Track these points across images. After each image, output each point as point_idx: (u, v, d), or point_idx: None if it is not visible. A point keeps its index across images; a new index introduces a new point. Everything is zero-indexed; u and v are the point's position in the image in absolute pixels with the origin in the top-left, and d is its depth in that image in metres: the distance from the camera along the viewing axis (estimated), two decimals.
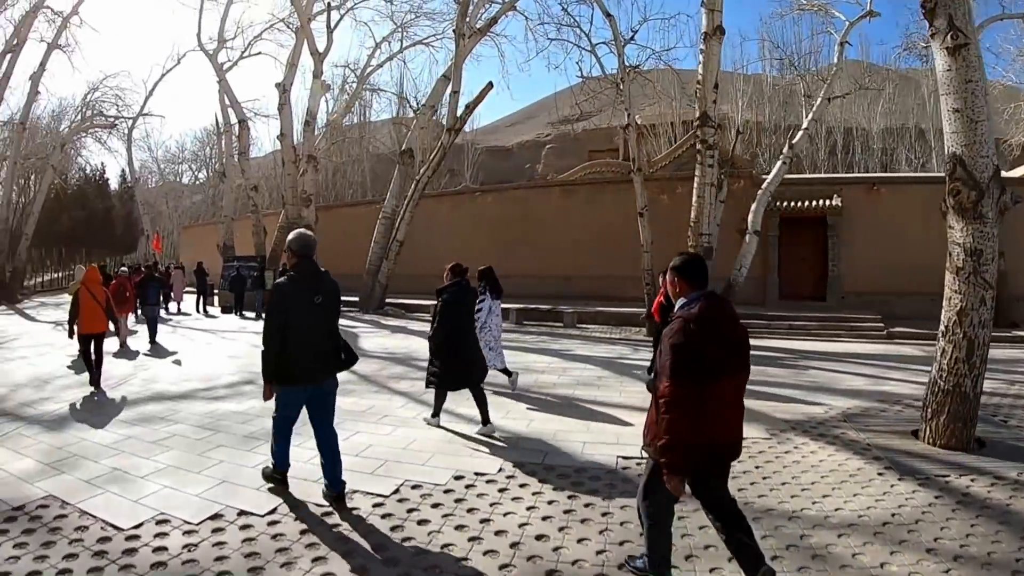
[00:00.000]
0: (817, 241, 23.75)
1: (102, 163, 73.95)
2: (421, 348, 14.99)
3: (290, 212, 27.92)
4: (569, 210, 28.43)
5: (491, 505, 5.88)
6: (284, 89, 29.33)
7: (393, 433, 8.28)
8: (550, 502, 5.92)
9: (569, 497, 6.01)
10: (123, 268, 20.97)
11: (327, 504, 5.79)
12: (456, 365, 8.24)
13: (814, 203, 23.33)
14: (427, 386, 8.68)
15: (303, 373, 5.67)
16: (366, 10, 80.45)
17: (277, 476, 6.14)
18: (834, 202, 23.06)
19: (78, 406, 10.00)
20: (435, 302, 8.56)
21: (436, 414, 8.57)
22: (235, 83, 33.99)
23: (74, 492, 6.09)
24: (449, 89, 26.32)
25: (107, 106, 41.32)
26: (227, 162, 37.10)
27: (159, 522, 5.43)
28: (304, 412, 6.02)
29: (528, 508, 5.79)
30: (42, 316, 25.55)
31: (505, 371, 10.89)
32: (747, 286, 20.71)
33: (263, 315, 6.58)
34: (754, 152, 40.99)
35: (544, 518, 5.58)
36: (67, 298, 12.06)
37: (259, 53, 36.19)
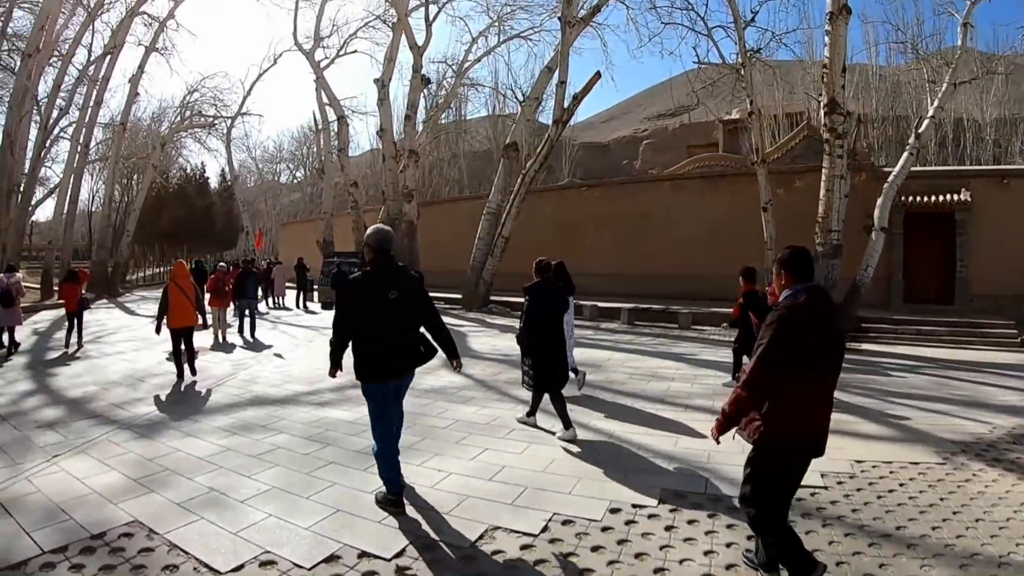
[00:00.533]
0: (943, 239, 21.57)
1: (202, 162, 75.38)
2: None
3: (391, 208, 27.24)
4: (679, 205, 26.90)
5: (661, 548, 4.80)
6: (383, 84, 28.79)
7: (527, 451, 7.15)
8: (729, 544, 4.84)
9: (749, 538, 4.78)
10: (221, 264, 20.72)
11: (464, 545, 4.83)
12: (542, 365, 7.79)
13: (940, 198, 21.16)
14: (522, 385, 8.25)
15: (381, 370, 5.43)
16: (463, 2, 79.80)
17: (392, 498, 5.48)
18: (962, 197, 20.90)
19: (173, 409, 9.13)
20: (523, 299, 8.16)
21: (532, 413, 8.24)
22: (331, 81, 33.76)
23: (163, 518, 5.17)
24: (554, 80, 25.22)
25: (206, 106, 42.09)
26: (326, 159, 36.98)
27: (264, 564, 4.47)
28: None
29: (706, 553, 4.72)
30: (142, 310, 25.29)
31: (573, 370, 10.09)
32: (869, 288, 18.98)
33: None
34: (871, 144, 38.70)
35: (728, 567, 4.53)
36: None
37: (355, 51, 36.31)
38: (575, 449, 7.18)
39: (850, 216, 18.01)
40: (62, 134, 38.58)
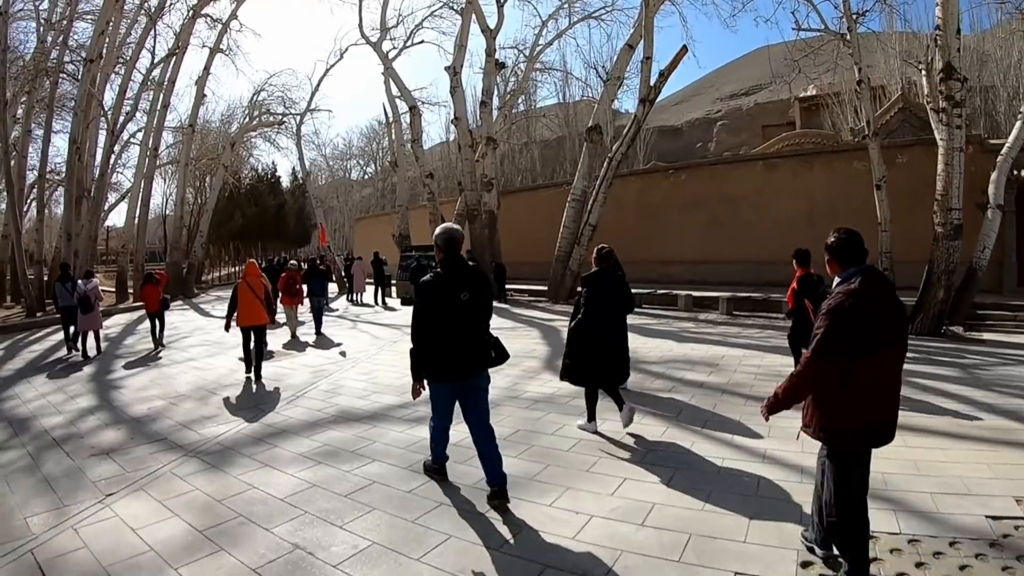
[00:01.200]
0: None
1: (273, 162, 75.45)
2: (641, 347, 12.78)
3: (469, 198, 26.24)
4: (771, 186, 25.41)
5: None
6: (455, 72, 27.68)
7: (674, 481, 5.75)
8: None
9: None
10: (292, 262, 20.18)
11: None
12: (591, 360, 7.21)
13: None
14: (560, 379, 7.60)
15: (450, 371, 5.30)
16: None
17: (435, 467, 5.92)
18: None
19: (246, 429, 7.91)
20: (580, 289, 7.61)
21: (591, 419, 7.47)
22: (399, 72, 32.75)
23: None
24: (636, 57, 24.06)
25: (274, 104, 41.68)
26: (398, 151, 36.03)
27: None
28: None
29: None
30: (216, 311, 24.49)
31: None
32: (984, 271, 17.03)
33: None
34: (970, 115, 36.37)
35: None
36: None
37: (422, 42, 35.58)
38: (728, 478, 5.82)
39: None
40: (132, 140, 39.19)
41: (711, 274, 24.70)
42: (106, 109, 31.65)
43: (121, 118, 32.33)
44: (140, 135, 36.38)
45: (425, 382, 5.41)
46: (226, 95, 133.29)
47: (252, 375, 11.11)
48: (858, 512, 3.94)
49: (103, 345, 15.13)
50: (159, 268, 27.25)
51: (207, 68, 35.38)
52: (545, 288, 24.32)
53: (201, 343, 16.02)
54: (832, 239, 4.01)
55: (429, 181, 31.12)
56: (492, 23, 28.05)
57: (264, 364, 11.68)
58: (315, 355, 13.74)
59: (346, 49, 39.72)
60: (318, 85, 40.73)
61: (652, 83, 22.37)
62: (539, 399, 8.80)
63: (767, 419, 4.11)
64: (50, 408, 9.39)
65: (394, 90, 33.50)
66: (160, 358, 13.97)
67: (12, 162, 29.80)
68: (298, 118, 41.08)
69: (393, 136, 36.95)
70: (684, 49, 22.68)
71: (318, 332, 16.87)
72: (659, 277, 25.91)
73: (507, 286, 25.05)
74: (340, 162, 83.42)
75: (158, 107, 33.73)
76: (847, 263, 3.92)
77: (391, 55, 33.64)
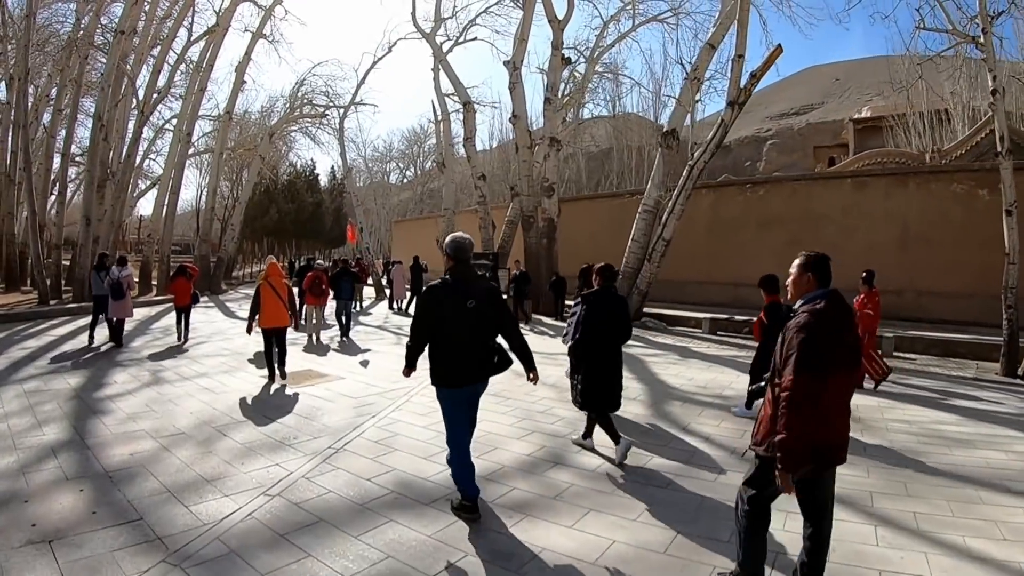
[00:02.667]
0: None
1: (312, 159, 74.05)
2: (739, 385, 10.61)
3: (525, 204, 24.15)
4: (858, 206, 23.16)
5: None
6: (514, 67, 25.94)
7: None
8: None
9: None
10: (318, 262, 18.55)
11: None
12: (595, 383, 6.85)
13: None
14: (574, 403, 7.26)
15: (455, 377, 5.27)
16: None
17: (467, 505, 5.25)
18: None
19: (263, 511, 5.23)
20: (578, 308, 7.19)
21: (587, 435, 7.30)
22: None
23: None
24: (723, 54, 22.62)
25: (317, 96, 40.18)
26: (446, 151, 33.98)
27: None
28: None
29: None
30: (242, 311, 22.23)
31: None
32: None
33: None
34: None
35: None
36: None
37: (475, 39, 33.62)
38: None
39: None
40: (167, 126, 38.34)
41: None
42: (136, 87, 30.28)
43: (153, 97, 30.61)
44: (175, 122, 35.33)
45: (436, 392, 5.37)
46: (267, 85, 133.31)
47: (274, 381, 10.80)
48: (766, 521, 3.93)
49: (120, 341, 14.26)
50: (186, 260, 25.63)
51: (248, 54, 34.12)
52: None
53: (219, 352, 13.78)
54: (812, 258, 3.93)
55: (481, 183, 28.96)
56: (561, 13, 25.94)
57: (290, 388, 10.42)
58: (353, 380, 11.20)
59: (395, 43, 37.67)
60: (364, 77, 39.34)
61: (742, 85, 19.86)
62: (675, 471, 6.26)
63: (791, 488, 3.56)
64: (6, 440, 6.95)
65: (444, 87, 32.01)
66: (186, 350, 13.78)
67: (42, 147, 29.57)
68: (342, 111, 39.35)
69: (441, 135, 35.10)
70: (779, 48, 20.20)
71: (346, 336, 16.58)
72: (730, 300, 23.72)
73: (565, 302, 22.64)
74: (379, 164, 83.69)
75: (195, 89, 32.34)
76: (822, 282, 3.85)
77: (444, 48, 31.86)
